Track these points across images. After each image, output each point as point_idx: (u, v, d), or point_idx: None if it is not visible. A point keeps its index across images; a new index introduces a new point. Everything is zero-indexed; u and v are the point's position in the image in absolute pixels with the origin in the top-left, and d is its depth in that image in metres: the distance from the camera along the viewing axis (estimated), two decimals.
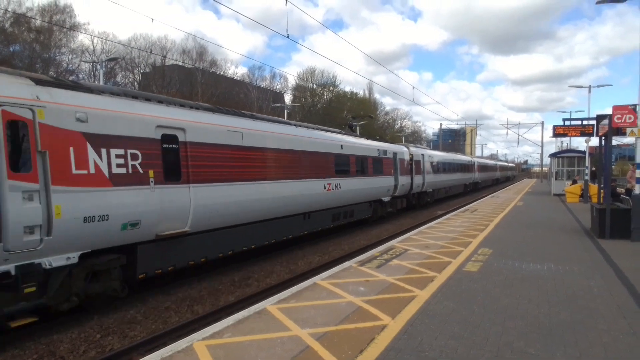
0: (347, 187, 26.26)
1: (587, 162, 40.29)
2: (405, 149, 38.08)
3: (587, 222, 23.67)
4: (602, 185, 21.05)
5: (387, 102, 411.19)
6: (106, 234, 12.76)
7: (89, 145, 12.40)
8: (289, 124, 23.13)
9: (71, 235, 11.91)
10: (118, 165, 13.09)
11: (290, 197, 20.61)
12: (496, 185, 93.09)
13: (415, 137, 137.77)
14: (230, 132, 17.39)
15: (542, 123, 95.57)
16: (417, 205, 40.90)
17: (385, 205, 33.13)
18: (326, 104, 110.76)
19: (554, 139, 56.51)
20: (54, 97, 12.03)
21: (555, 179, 47.70)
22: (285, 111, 75.91)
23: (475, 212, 28.11)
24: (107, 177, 12.75)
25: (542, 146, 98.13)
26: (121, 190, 13.07)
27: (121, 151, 13.22)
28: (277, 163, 19.91)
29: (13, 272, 11.03)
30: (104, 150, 12.74)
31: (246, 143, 18.07)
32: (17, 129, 11.24)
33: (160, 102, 15.67)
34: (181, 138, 15.17)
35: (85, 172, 12.26)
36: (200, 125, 16.05)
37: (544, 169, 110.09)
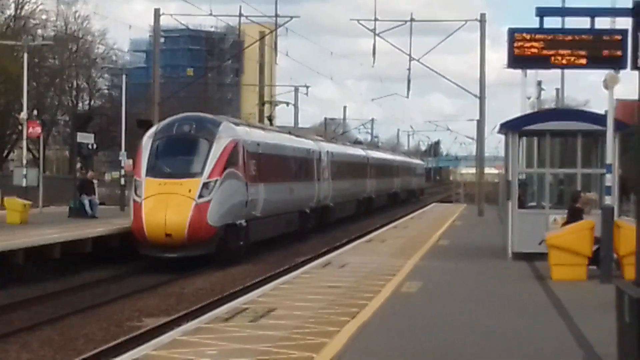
0: (296, 192, 29.37)
1: (611, 149, 14.40)
2: (313, 142, 35.94)
3: (601, 339, 8.10)
4: None
5: None
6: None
7: None
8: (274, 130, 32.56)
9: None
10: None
11: (270, 200, 25.92)
12: (380, 212, 51.10)
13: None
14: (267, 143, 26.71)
15: (483, 19, 36.45)
16: (318, 226, 34.19)
17: (308, 217, 31.54)
18: None
19: (516, 72, 17.21)
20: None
21: (520, 205, 17.52)
22: None
23: None
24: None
25: (479, 96, 36.16)
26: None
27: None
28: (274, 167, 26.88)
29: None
30: None
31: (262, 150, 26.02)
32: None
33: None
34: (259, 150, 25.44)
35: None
36: (265, 140, 26.65)
37: (486, 170, 47.69)
